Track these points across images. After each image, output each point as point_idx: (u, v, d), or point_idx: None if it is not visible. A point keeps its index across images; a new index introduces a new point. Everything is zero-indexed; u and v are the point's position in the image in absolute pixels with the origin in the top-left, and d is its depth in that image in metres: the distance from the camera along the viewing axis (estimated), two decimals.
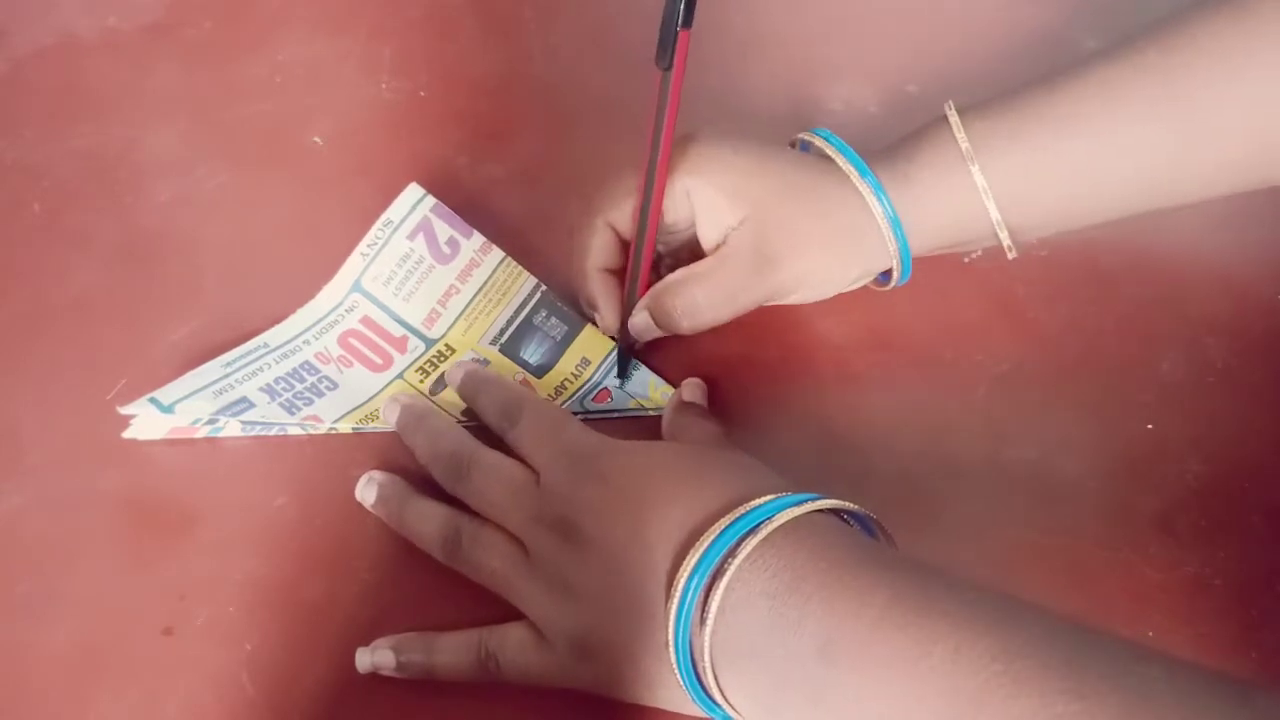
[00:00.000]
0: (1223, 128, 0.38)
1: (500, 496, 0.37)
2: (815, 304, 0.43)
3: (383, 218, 0.45)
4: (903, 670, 0.28)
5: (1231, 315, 0.44)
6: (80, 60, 0.53)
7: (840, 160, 0.40)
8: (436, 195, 0.46)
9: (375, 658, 0.37)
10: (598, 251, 0.41)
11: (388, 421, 0.41)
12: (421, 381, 0.43)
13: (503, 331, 0.44)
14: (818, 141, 0.41)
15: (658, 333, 0.41)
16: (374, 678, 0.37)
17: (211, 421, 0.41)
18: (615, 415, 0.43)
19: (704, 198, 0.40)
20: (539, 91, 0.52)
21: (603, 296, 0.42)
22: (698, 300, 0.40)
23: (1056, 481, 0.41)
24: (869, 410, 0.42)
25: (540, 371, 0.44)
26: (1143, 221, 0.41)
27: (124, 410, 0.40)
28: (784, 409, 0.43)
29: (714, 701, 0.32)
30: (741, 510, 0.32)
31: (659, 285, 0.41)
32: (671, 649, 0.32)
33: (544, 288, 0.45)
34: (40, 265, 0.47)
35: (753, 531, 0.31)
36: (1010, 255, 0.41)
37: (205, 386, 0.41)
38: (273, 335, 0.44)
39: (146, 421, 0.41)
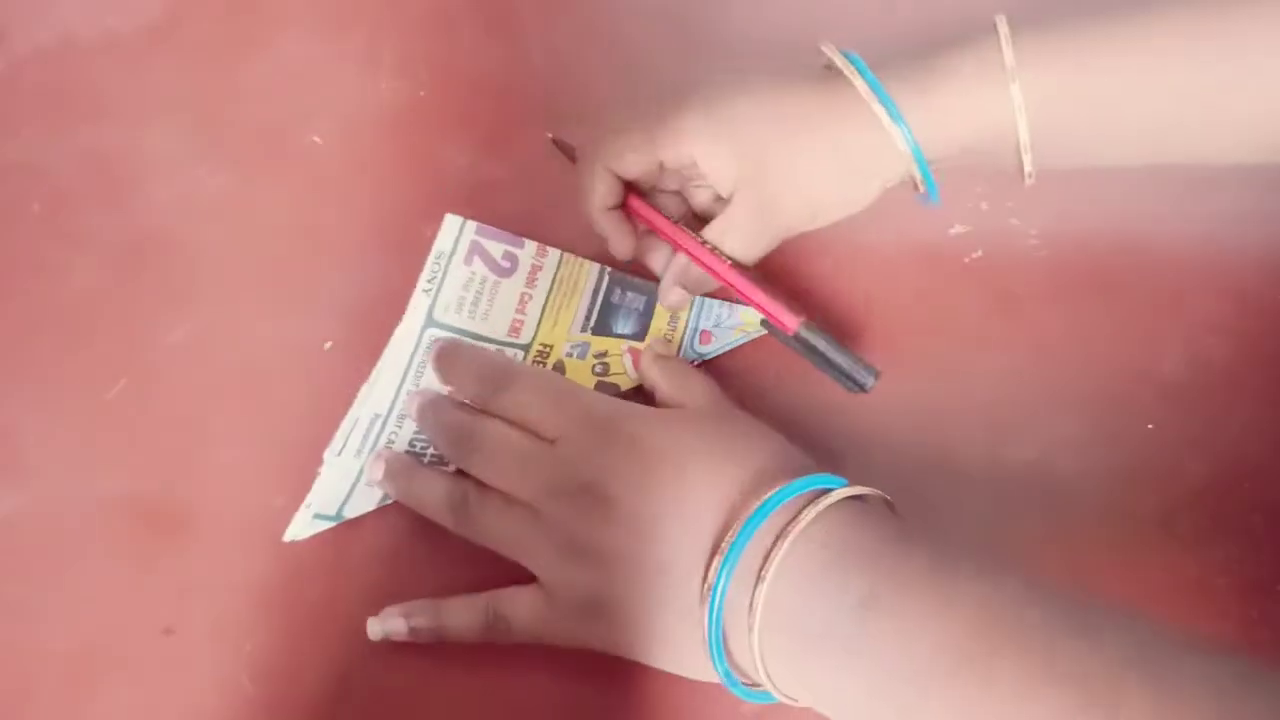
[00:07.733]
0: (1269, 76, 0.36)
1: (510, 464, 0.37)
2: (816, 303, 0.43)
3: (433, 252, 0.45)
4: (936, 613, 0.31)
5: (1231, 315, 0.44)
6: (80, 60, 0.53)
7: (858, 82, 0.38)
8: (436, 195, 0.46)
9: (386, 625, 0.37)
10: (602, 195, 0.42)
11: (409, 412, 0.41)
12: None
13: (589, 317, 0.44)
14: (838, 60, 0.39)
15: (689, 298, 0.43)
16: (373, 677, 0.37)
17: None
18: (728, 350, 0.44)
19: (708, 160, 0.40)
20: (539, 91, 0.52)
21: (612, 231, 0.43)
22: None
23: (1056, 481, 0.41)
24: (868, 409, 0.42)
25: (639, 337, 0.44)
26: (1143, 221, 0.41)
27: (290, 534, 0.39)
28: (783, 407, 0.43)
29: (730, 666, 0.34)
30: (772, 490, 0.34)
31: (679, 258, 0.42)
32: (708, 615, 0.33)
33: (609, 270, 0.46)
34: (40, 265, 0.47)
35: (810, 505, 0.33)
36: (1028, 182, 0.39)
37: (356, 482, 0.40)
38: (376, 404, 0.41)
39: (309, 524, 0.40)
